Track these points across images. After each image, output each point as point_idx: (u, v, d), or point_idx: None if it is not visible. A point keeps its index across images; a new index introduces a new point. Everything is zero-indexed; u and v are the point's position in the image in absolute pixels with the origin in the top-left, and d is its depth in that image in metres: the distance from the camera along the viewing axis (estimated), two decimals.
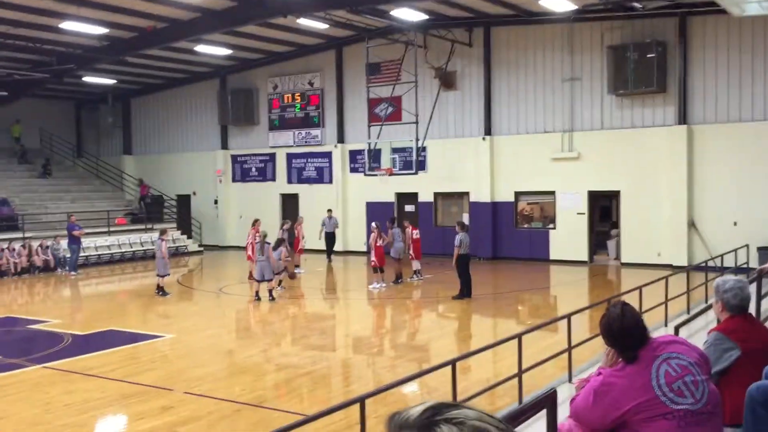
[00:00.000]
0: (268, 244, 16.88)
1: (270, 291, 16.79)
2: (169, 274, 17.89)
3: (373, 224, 19.41)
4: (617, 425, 3.28)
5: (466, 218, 24.50)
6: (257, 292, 16.82)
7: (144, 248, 26.85)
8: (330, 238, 25.00)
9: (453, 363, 6.92)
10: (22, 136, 30.39)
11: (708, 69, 20.40)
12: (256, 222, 19.83)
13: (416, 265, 19.59)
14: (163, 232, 18.51)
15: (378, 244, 18.46)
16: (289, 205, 28.39)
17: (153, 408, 8.81)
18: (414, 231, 19.54)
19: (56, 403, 9.08)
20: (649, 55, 20.45)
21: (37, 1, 19.13)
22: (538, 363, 8.37)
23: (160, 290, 17.65)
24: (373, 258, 18.59)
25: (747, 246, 18.39)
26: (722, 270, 15.07)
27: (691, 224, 20.78)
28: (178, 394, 9.39)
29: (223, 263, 26.19)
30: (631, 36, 20.99)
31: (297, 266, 21.69)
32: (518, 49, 23.25)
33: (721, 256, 16.31)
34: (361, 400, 5.72)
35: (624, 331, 3.35)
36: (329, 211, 25.39)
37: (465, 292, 16.35)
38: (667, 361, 3.27)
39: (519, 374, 7.75)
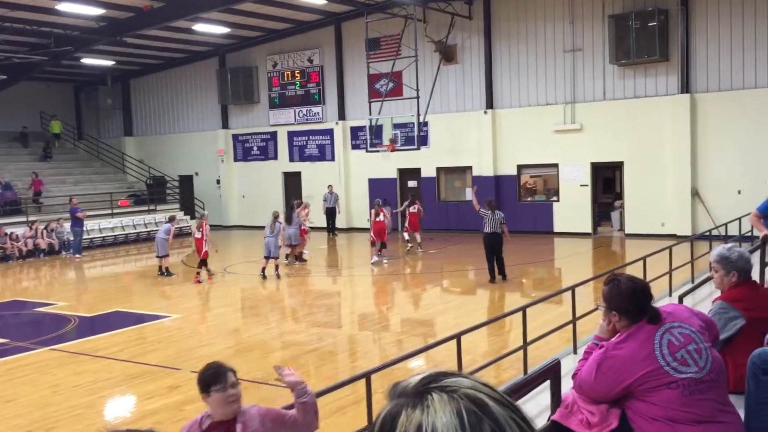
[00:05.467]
0: (280, 223, 17.28)
1: (276, 267, 17.05)
2: (168, 255, 18.07)
3: (378, 201, 20.07)
4: (621, 396, 3.28)
5: (469, 193, 24.47)
6: (263, 269, 16.93)
7: (148, 230, 26.89)
8: (331, 213, 25.17)
9: (458, 337, 6.95)
10: (55, 129, 30.85)
11: (711, 36, 20.21)
12: (300, 204, 19.98)
13: (414, 236, 20.21)
14: (172, 218, 18.84)
15: (378, 220, 18.78)
16: (292, 183, 28.37)
17: (160, 387, 8.87)
18: (415, 205, 20.19)
19: (64, 385, 9.15)
20: (650, 24, 20.25)
21: None
22: (543, 335, 8.40)
23: (165, 271, 17.78)
24: (371, 234, 19.17)
25: None
26: (726, 239, 15.04)
27: (695, 194, 20.72)
28: (185, 373, 9.44)
29: (226, 243, 26.20)
30: (633, 4, 20.77)
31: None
32: (519, 20, 23.04)
33: (725, 224, 16.27)
34: (367, 376, 5.75)
35: (634, 292, 3.32)
36: (329, 186, 25.44)
37: (492, 274, 15.20)
38: (670, 331, 3.26)
39: (524, 346, 7.77)
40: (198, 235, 16.86)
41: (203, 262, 16.85)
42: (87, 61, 27.48)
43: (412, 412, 0.98)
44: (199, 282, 16.66)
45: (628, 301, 3.31)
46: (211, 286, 16.71)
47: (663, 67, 20.82)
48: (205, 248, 16.64)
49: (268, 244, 16.86)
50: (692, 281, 11.53)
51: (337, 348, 10.96)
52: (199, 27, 24.51)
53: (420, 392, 1.00)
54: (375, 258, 18.75)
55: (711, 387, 3.20)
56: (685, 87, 20.51)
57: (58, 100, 32.65)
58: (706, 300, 8.67)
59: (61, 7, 20.63)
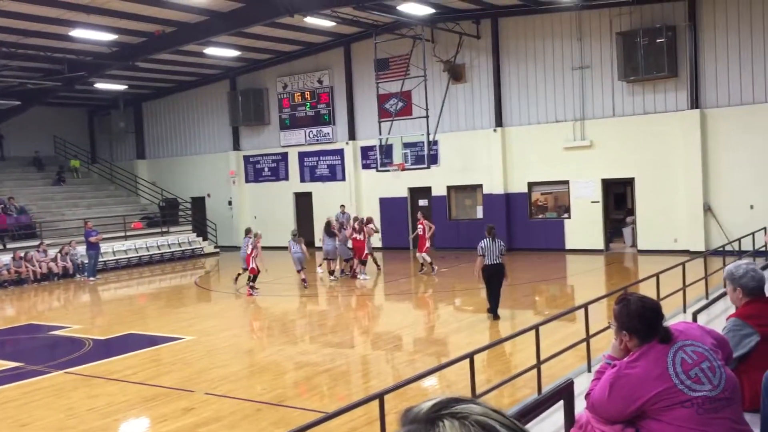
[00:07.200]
0: (333, 232, 19.25)
1: (332, 271, 19.44)
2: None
3: (366, 218, 21.18)
4: (635, 415, 3.28)
5: (479, 211, 24.50)
6: (342, 270, 19.62)
7: (161, 252, 27.05)
8: None
9: (471, 356, 6.93)
10: (75, 165, 31.58)
11: (719, 51, 20.22)
12: (368, 220, 20.80)
13: (420, 258, 20.19)
14: (248, 231, 19.10)
15: (358, 238, 19.49)
16: (303, 203, 28.47)
17: (175, 410, 8.88)
18: (419, 225, 20.52)
19: (79, 408, 9.18)
20: (659, 40, 20.30)
21: (47, 11, 19.29)
22: (557, 353, 8.36)
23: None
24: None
25: (765, 229, 18.24)
26: (740, 254, 14.95)
27: (707, 209, 20.63)
28: (200, 395, 9.46)
29: (239, 264, 26.27)
30: (641, 21, 20.84)
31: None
32: (527, 39, 23.15)
33: (739, 240, 16.18)
34: (380, 396, 5.74)
35: (644, 312, 3.32)
36: (342, 206, 25.49)
37: (491, 307, 13.61)
38: (683, 349, 3.26)
39: (537, 365, 7.74)
40: (248, 251, 17.93)
41: (251, 278, 17.85)
42: (100, 85, 27.81)
43: None
44: (251, 295, 17.69)
45: (638, 321, 3.31)
46: (249, 300, 17.41)
47: (672, 83, 20.84)
48: (251, 264, 17.65)
49: (329, 248, 19.35)
50: (706, 297, 11.47)
51: (350, 368, 10.94)
52: (210, 50, 24.78)
53: (431, 419, 1.02)
54: (362, 275, 19.47)
55: (726, 405, 3.19)
56: (695, 102, 20.50)
57: (72, 124, 33.03)
58: (720, 316, 8.62)
59: (74, 33, 20.94)
